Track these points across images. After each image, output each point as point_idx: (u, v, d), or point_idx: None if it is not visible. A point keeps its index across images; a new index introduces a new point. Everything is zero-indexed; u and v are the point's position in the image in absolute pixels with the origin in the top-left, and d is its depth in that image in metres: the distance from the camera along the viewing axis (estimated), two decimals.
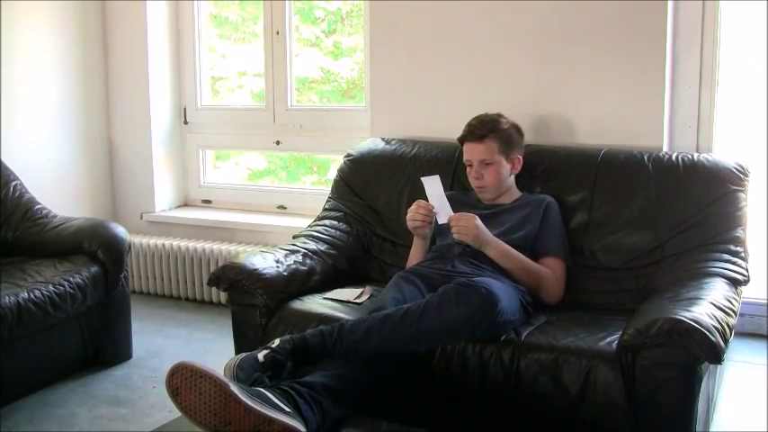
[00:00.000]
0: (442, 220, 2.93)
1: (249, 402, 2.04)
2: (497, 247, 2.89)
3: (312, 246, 3.23)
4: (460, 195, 3.19)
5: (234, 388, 2.06)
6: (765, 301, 3.71)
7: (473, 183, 3.10)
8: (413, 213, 2.97)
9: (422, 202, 2.97)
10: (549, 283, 2.93)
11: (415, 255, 3.09)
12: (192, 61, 4.78)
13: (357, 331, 2.46)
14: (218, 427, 2.03)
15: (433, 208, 2.95)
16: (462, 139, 3.12)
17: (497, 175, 3.06)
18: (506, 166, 3.09)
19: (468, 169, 3.12)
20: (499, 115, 3.12)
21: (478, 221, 2.87)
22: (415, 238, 3.08)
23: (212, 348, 3.76)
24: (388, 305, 2.61)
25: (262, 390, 2.15)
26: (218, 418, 2.03)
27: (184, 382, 2.05)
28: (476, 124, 3.08)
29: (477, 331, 2.53)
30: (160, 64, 4.71)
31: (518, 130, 3.15)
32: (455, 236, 2.88)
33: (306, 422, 2.12)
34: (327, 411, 2.22)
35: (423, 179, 3.00)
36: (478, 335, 2.54)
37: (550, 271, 2.95)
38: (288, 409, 2.11)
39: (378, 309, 2.61)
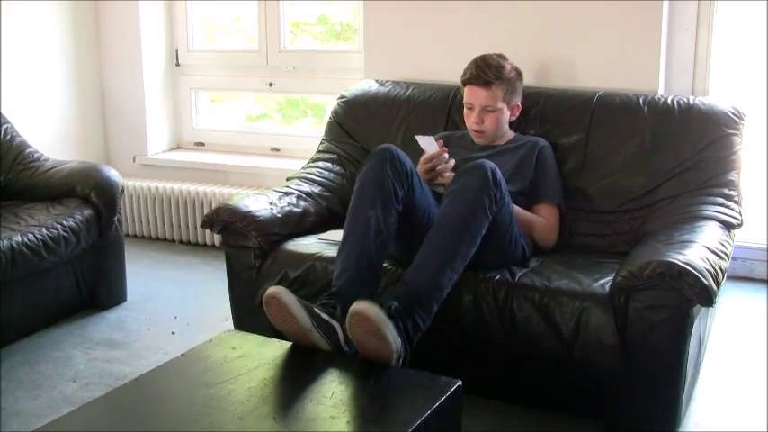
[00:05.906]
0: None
1: None
2: None
3: (306, 188, 3.22)
4: (454, 136, 3.16)
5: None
6: (758, 246, 3.73)
7: (472, 126, 3.05)
8: (444, 178, 2.82)
9: (430, 161, 2.84)
10: (543, 230, 2.93)
11: None
12: (183, 2, 4.71)
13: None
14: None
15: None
16: (466, 82, 3.05)
17: (497, 122, 3.02)
18: (507, 114, 3.05)
19: (466, 111, 3.07)
20: (503, 58, 3.06)
21: None
22: None
23: (207, 290, 3.78)
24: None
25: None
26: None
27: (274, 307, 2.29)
28: (483, 67, 2.99)
29: (493, 202, 2.52)
30: (152, 5, 4.64)
31: (520, 75, 3.09)
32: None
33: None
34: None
35: (418, 137, 2.89)
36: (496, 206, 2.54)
37: (544, 219, 2.95)
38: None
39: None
